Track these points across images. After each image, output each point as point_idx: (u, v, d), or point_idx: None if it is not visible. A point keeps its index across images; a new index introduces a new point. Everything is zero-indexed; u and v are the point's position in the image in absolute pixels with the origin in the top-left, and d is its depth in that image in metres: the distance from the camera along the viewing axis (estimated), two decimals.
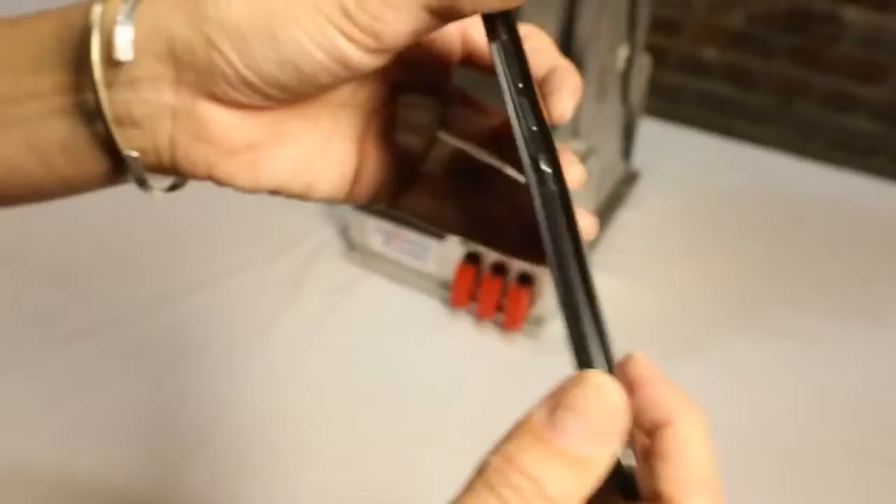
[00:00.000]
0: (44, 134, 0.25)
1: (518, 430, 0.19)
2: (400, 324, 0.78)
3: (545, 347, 0.75)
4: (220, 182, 0.27)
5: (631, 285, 0.81)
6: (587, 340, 0.20)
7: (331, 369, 0.74)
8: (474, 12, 0.24)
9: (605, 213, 0.89)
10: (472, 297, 0.76)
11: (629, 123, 0.88)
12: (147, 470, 0.66)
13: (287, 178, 0.28)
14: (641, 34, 0.81)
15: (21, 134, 0.25)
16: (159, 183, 0.28)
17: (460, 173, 0.31)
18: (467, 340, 0.76)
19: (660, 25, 1.30)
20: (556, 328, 0.77)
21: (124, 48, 0.24)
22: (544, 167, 0.23)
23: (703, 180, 0.94)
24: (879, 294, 0.83)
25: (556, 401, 0.19)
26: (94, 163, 0.26)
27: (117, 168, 0.27)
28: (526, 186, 0.23)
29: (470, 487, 0.19)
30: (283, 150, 0.28)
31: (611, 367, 0.20)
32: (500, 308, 0.75)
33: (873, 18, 1.24)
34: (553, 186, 0.23)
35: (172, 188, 0.29)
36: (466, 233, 0.31)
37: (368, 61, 0.25)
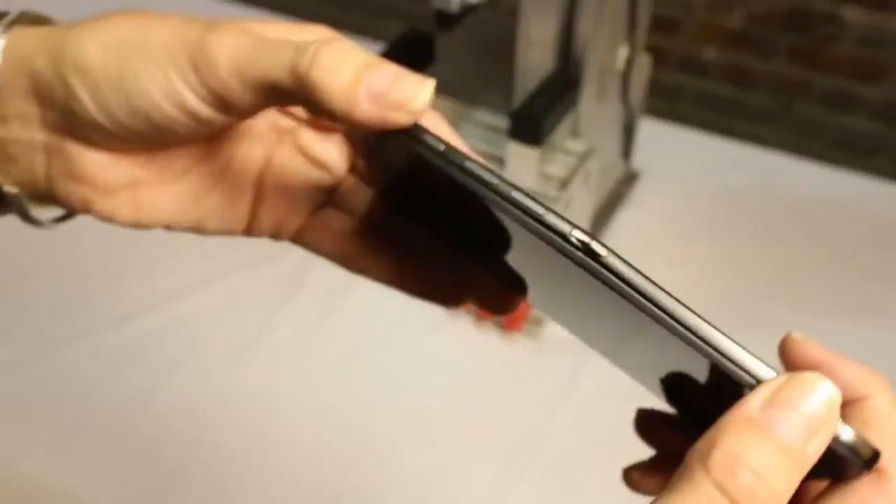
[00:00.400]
0: None
1: (736, 426, 0.19)
2: (400, 324, 0.78)
3: (545, 347, 0.75)
4: (99, 218, 0.27)
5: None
6: (745, 352, 0.20)
7: (330, 369, 0.74)
8: (339, 118, 0.22)
9: (605, 213, 0.89)
10: None
11: (629, 123, 0.88)
12: (147, 470, 0.66)
13: (173, 216, 0.27)
14: (641, 34, 0.81)
15: None
16: (48, 213, 0.28)
17: (369, 215, 0.30)
18: (467, 340, 0.76)
19: (660, 25, 1.30)
20: (555, 328, 0.77)
21: None
22: (583, 238, 0.22)
23: (703, 180, 0.94)
24: (879, 294, 0.83)
25: (771, 400, 0.19)
26: None
27: (1, 200, 0.26)
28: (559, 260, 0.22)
29: (689, 482, 0.18)
30: (165, 188, 0.27)
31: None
32: None
33: (873, 18, 1.24)
34: (604, 251, 0.22)
35: (62, 218, 0.29)
36: (373, 276, 0.30)
37: (221, 120, 0.24)
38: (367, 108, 0.21)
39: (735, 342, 0.20)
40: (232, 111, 0.23)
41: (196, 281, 0.81)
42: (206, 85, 0.23)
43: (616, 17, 0.75)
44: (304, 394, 0.71)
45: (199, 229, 0.28)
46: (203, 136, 0.26)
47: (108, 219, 0.27)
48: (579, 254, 0.22)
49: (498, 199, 0.22)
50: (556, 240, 0.22)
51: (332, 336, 0.77)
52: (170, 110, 0.23)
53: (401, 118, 0.21)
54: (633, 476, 0.29)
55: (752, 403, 0.19)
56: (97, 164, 0.25)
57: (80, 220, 0.96)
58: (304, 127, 0.29)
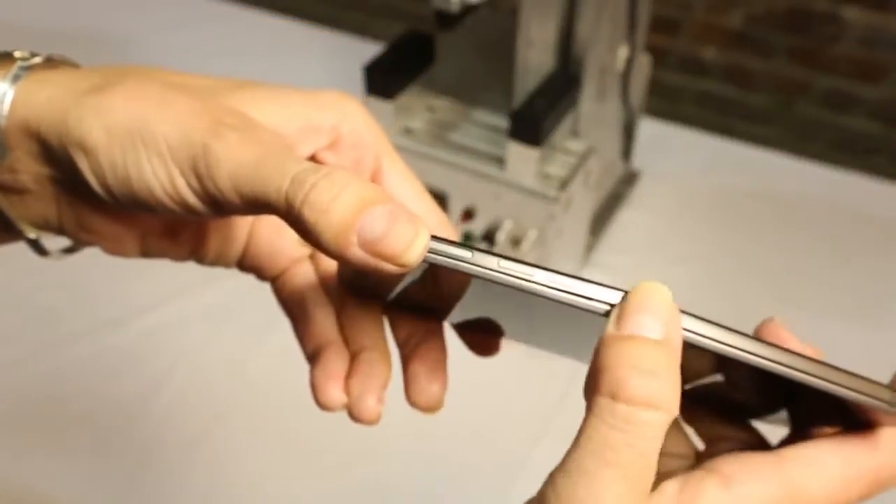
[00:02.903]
0: None
1: (604, 347, 0.20)
2: None
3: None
4: (110, 254, 0.28)
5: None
6: (593, 285, 0.22)
7: None
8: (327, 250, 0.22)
9: (605, 213, 0.89)
10: None
11: (629, 123, 0.88)
12: (147, 469, 0.66)
13: (176, 255, 0.29)
14: (641, 34, 0.81)
15: None
16: (57, 244, 0.28)
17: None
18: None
19: (660, 25, 1.30)
20: None
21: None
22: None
23: (703, 180, 0.94)
24: (879, 294, 0.83)
25: (619, 314, 0.20)
26: None
27: (12, 236, 0.27)
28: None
29: (591, 414, 0.20)
30: (170, 238, 0.28)
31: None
32: None
33: (873, 18, 1.24)
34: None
35: (71, 250, 0.29)
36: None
37: (211, 213, 0.24)
38: (358, 255, 0.21)
39: (583, 280, 0.21)
40: (227, 214, 0.24)
41: (196, 281, 0.81)
42: (204, 191, 0.23)
43: (616, 17, 0.75)
44: (304, 394, 0.71)
45: (198, 262, 0.30)
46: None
47: (117, 255, 0.28)
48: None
49: (535, 293, 0.22)
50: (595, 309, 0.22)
51: None
52: (169, 203, 0.23)
53: (391, 269, 0.21)
54: None
55: (609, 325, 0.20)
56: (106, 222, 0.26)
57: None
58: None
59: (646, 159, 0.95)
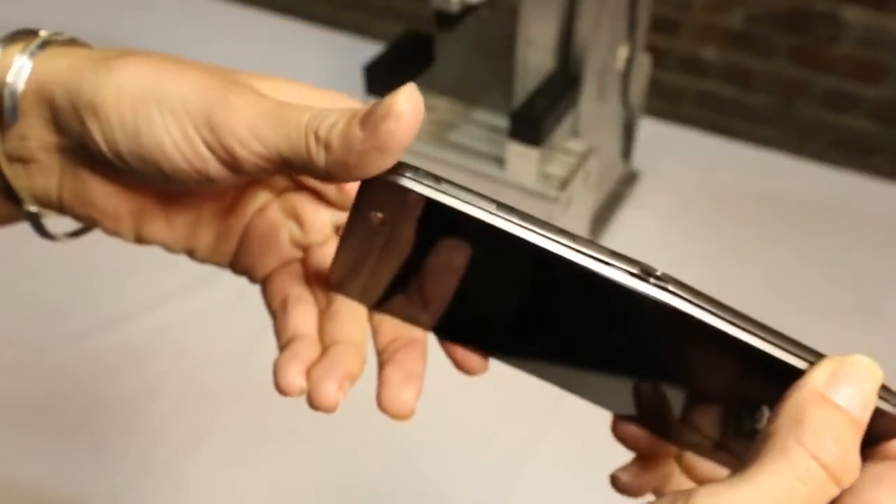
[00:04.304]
0: None
1: (815, 403, 0.21)
2: None
3: None
4: (105, 233, 0.28)
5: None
6: (800, 346, 0.23)
7: None
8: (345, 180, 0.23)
9: (605, 213, 0.89)
10: None
11: (629, 123, 0.88)
12: (147, 469, 0.66)
13: (170, 241, 0.29)
14: (641, 34, 0.81)
15: None
16: (62, 227, 0.29)
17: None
18: None
19: (660, 25, 1.30)
20: None
21: (10, 112, 0.24)
22: (652, 272, 0.22)
23: (703, 180, 0.94)
24: (879, 294, 0.83)
25: (835, 377, 0.21)
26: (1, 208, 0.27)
27: (17, 213, 0.28)
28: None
29: (785, 456, 0.20)
30: (167, 220, 0.28)
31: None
32: None
33: (873, 18, 1.24)
34: (673, 287, 0.23)
35: (76, 234, 0.30)
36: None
37: (226, 177, 0.24)
38: (360, 140, 0.21)
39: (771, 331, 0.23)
40: (241, 173, 0.24)
41: (196, 281, 0.81)
42: (220, 146, 0.23)
43: (616, 17, 0.75)
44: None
45: (191, 256, 0.30)
46: (208, 188, 0.26)
47: (111, 235, 0.28)
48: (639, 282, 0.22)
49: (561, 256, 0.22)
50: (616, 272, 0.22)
51: None
52: (181, 163, 0.24)
53: (391, 125, 0.21)
54: (621, 478, 0.30)
55: (818, 380, 0.21)
56: (105, 193, 0.26)
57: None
58: (302, 190, 0.30)
59: (646, 159, 0.95)
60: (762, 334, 0.23)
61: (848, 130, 1.37)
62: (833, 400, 0.21)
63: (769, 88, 1.38)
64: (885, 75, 1.29)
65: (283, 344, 0.28)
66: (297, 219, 0.29)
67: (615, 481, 0.30)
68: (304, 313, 0.28)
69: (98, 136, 0.24)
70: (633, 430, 0.29)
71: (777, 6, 1.30)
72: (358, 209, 0.24)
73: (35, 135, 0.25)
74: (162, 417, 0.69)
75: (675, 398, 0.27)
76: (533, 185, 0.71)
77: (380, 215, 0.24)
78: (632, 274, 0.22)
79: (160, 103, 0.23)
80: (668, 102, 1.40)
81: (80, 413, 0.69)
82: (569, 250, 0.22)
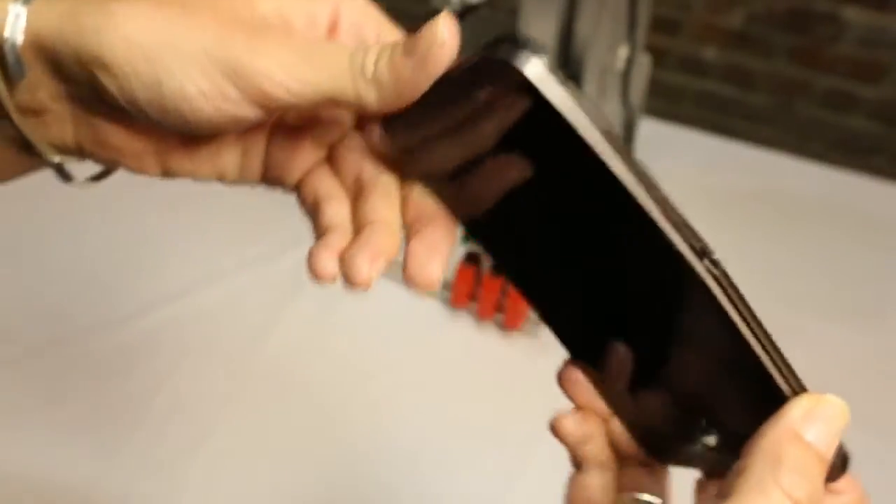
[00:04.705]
0: None
1: (792, 443, 0.22)
2: (400, 324, 0.78)
3: (545, 347, 0.75)
4: (130, 171, 0.27)
5: None
6: (791, 371, 0.24)
7: (330, 369, 0.74)
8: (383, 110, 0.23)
9: None
10: (472, 297, 0.76)
11: (629, 123, 0.88)
12: (147, 469, 0.66)
13: (196, 171, 0.28)
14: (641, 34, 0.81)
15: None
16: (84, 171, 0.28)
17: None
18: (467, 340, 0.76)
19: (660, 25, 1.30)
20: None
21: (15, 66, 0.24)
22: (706, 251, 0.23)
23: (703, 180, 0.94)
24: (879, 294, 0.83)
25: (812, 415, 0.23)
26: (20, 159, 0.27)
27: (37, 162, 0.27)
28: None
29: (761, 492, 0.21)
30: (190, 153, 0.27)
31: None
32: (499, 308, 0.75)
33: (873, 18, 1.24)
34: (718, 273, 0.24)
35: (99, 177, 0.29)
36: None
37: (254, 116, 0.24)
38: (409, 70, 0.22)
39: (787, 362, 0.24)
40: (274, 112, 0.24)
41: (197, 281, 0.81)
42: (255, 90, 0.23)
43: (616, 17, 0.75)
44: (304, 394, 0.71)
45: (220, 181, 0.29)
46: (233, 127, 0.26)
47: (136, 172, 0.27)
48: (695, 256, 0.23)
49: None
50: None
51: (332, 336, 0.77)
52: (208, 110, 0.23)
53: (438, 51, 0.22)
54: (565, 424, 0.30)
55: (795, 417, 0.23)
56: (124, 136, 0.26)
57: (81, 220, 0.95)
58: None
59: (646, 159, 0.94)
60: (771, 351, 0.24)
61: (848, 130, 1.37)
62: (805, 438, 0.22)
63: (769, 88, 1.38)
64: (885, 75, 1.29)
65: (318, 237, 0.28)
66: (316, 119, 0.29)
67: (558, 425, 0.30)
68: (335, 207, 0.28)
69: (112, 88, 0.23)
70: (581, 378, 0.30)
71: (777, 6, 1.30)
72: (455, 78, 0.23)
73: (44, 86, 0.24)
74: (162, 417, 0.69)
75: (646, 369, 0.27)
76: None
77: (480, 91, 0.22)
78: (691, 245, 0.23)
79: (179, 54, 0.22)
80: (668, 102, 1.40)
81: (80, 413, 0.69)
82: (647, 199, 0.22)
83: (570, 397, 0.30)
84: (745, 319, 0.23)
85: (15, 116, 0.25)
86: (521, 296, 0.29)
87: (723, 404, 0.26)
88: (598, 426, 0.30)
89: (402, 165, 0.28)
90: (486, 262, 0.76)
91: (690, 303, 0.24)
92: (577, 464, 0.30)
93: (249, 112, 0.23)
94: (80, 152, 0.26)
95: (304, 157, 0.29)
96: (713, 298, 0.23)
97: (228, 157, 0.28)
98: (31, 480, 0.65)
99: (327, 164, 0.29)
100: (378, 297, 0.81)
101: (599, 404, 0.30)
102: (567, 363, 0.30)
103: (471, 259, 0.76)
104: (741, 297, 0.23)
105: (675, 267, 0.23)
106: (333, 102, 0.23)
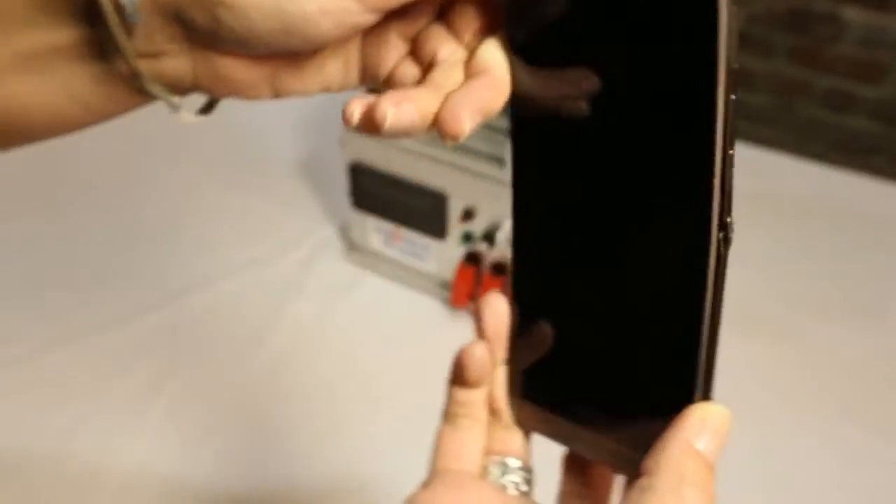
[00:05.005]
0: (79, 83, 0.26)
1: (692, 461, 0.24)
2: (400, 324, 0.78)
3: None
4: (243, 99, 0.28)
5: None
6: (709, 375, 0.24)
7: (330, 369, 0.74)
8: None
9: None
10: (472, 296, 0.76)
11: None
12: (146, 470, 0.66)
13: (306, 89, 0.29)
14: None
15: (57, 86, 0.26)
16: (192, 104, 0.29)
17: None
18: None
19: None
20: None
21: (132, 14, 0.25)
22: (728, 231, 0.24)
23: None
24: (879, 294, 0.83)
25: (706, 427, 0.24)
26: (131, 96, 0.27)
27: (150, 98, 0.28)
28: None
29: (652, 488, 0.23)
30: (300, 74, 0.28)
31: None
32: None
33: (873, 18, 1.24)
34: (726, 248, 0.24)
35: (206, 110, 0.30)
36: None
37: (372, 20, 0.25)
38: None
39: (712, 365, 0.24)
40: (389, 12, 0.25)
41: (197, 281, 0.81)
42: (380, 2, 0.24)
43: None
44: (304, 394, 0.71)
45: (326, 91, 0.30)
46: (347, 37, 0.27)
47: (250, 100, 0.28)
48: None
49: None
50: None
51: (332, 336, 0.77)
52: (328, 26, 0.24)
53: None
54: (475, 352, 0.30)
55: (693, 431, 0.24)
56: (240, 69, 0.27)
57: (80, 219, 0.95)
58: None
59: None
60: (712, 349, 0.24)
61: (848, 130, 1.37)
62: (699, 449, 0.23)
63: (769, 88, 1.38)
64: (885, 75, 1.29)
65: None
66: (403, 12, 0.29)
67: (468, 352, 0.30)
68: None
69: (234, 24, 0.24)
70: (503, 305, 0.29)
71: (777, 6, 1.30)
72: None
73: (161, 30, 0.25)
74: (163, 417, 0.69)
75: (580, 335, 0.27)
76: None
77: None
78: (722, 210, 0.24)
79: None
80: None
81: (80, 413, 0.69)
82: (720, 152, 0.23)
83: (482, 322, 0.30)
84: (714, 308, 0.23)
85: (134, 61, 0.25)
86: (513, 213, 0.28)
87: (634, 394, 0.26)
88: (493, 368, 0.30)
89: (505, 28, 0.27)
90: (486, 262, 0.76)
91: (673, 272, 0.24)
92: (451, 416, 0.31)
93: (368, 18, 0.24)
94: (197, 89, 0.27)
95: (392, 53, 0.29)
96: (702, 274, 0.23)
97: (332, 67, 0.29)
98: (31, 480, 0.65)
99: (410, 57, 0.29)
100: (378, 297, 0.81)
101: (501, 346, 0.29)
102: (500, 297, 0.30)
103: (471, 259, 0.76)
104: (722, 283, 0.23)
105: (690, 229, 0.23)
106: None
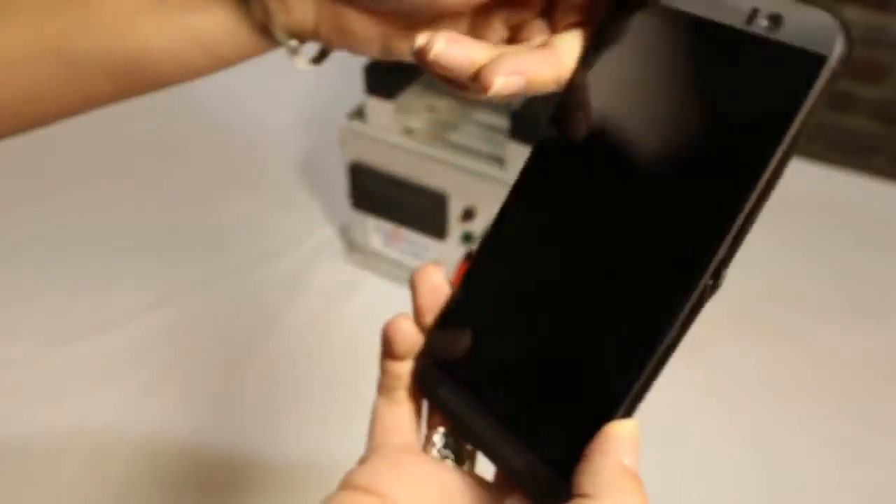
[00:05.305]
0: (210, 29, 0.28)
1: (626, 479, 0.23)
2: None
3: None
4: (354, 53, 0.29)
5: None
6: (639, 400, 0.24)
7: (330, 370, 0.74)
8: None
9: None
10: None
11: None
12: (147, 469, 0.66)
13: (410, 51, 0.29)
14: None
15: (189, 33, 0.28)
16: (306, 51, 0.30)
17: None
18: None
19: None
20: None
21: None
22: (720, 280, 0.24)
23: None
24: (879, 294, 0.83)
25: (631, 444, 0.24)
26: (253, 43, 0.29)
27: (271, 43, 0.29)
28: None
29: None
30: (410, 35, 0.28)
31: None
32: None
33: (873, 18, 1.24)
34: (710, 295, 0.24)
35: (319, 59, 0.31)
36: None
37: None
38: None
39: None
40: None
41: (196, 281, 0.81)
42: None
43: None
44: (304, 394, 0.71)
45: None
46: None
47: (360, 55, 0.30)
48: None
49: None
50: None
51: (332, 336, 0.77)
52: None
53: None
54: (398, 322, 0.30)
55: (623, 449, 0.24)
56: (361, 23, 0.28)
57: (80, 219, 0.95)
58: None
59: None
60: (653, 378, 0.24)
61: (848, 130, 1.37)
62: (626, 465, 0.23)
63: None
64: (885, 75, 1.29)
65: None
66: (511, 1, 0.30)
67: (395, 324, 0.30)
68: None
69: None
70: (438, 277, 0.30)
71: None
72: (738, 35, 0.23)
73: None
74: (162, 417, 0.69)
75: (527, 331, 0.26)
76: None
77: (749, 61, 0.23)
78: (724, 258, 0.23)
79: None
80: None
81: (79, 414, 0.69)
82: (748, 210, 0.23)
83: (416, 293, 0.30)
84: (672, 345, 0.23)
85: (270, 3, 0.27)
86: (505, 203, 0.28)
87: (553, 397, 0.25)
88: (420, 340, 0.29)
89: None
90: None
91: (649, 301, 0.23)
92: (386, 390, 0.30)
93: None
94: (316, 37, 0.29)
95: (492, 37, 0.30)
96: (675, 311, 0.22)
97: (439, 27, 0.30)
98: (31, 480, 0.65)
99: (505, 44, 0.30)
100: (378, 297, 0.81)
101: (432, 318, 0.29)
102: (437, 269, 0.30)
103: (471, 259, 0.76)
104: (690, 324, 0.23)
105: (684, 267, 0.23)
106: None
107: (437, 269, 0.30)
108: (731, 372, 0.73)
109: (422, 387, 0.29)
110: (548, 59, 0.26)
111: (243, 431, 0.69)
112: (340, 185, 0.80)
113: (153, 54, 0.28)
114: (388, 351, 0.30)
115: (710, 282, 0.23)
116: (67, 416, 0.68)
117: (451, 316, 0.29)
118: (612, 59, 0.25)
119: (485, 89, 0.25)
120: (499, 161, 0.72)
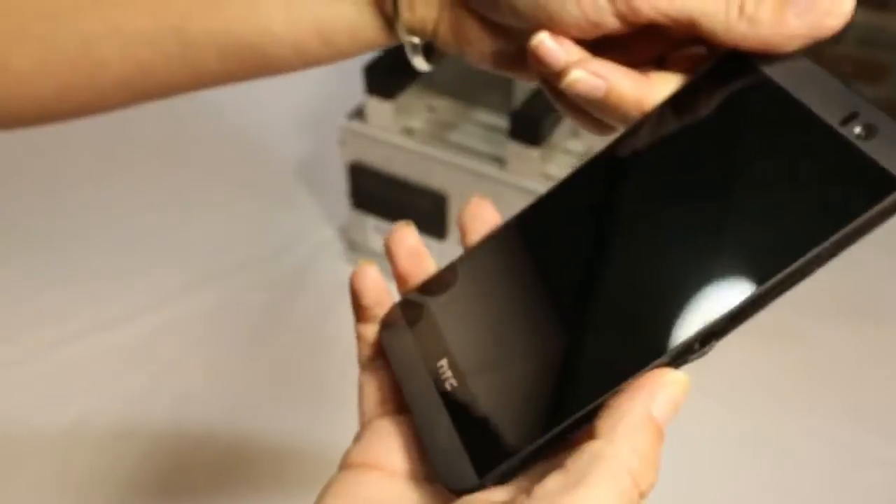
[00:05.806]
0: (333, 19, 0.28)
1: (644, 428, 0.22)
2: None
3: None
4: (468, 62, 0.30)
5: None
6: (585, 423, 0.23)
7: (330, 369, 0.74)
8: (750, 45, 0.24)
9: None
10: None
11: None
12: (147, 469, 0.66)
13: (520, 73, 0.29)
14: None
15: (312, 21, 0.28)
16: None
17: None
18: None
19: None
20: None
21: None
22: (707, 348, 0.23)
23: None
24: (879, 294, 0.83)
25: (662, 396, 0.23)
26: (372, 37, 0.29)
27: (389, 39, 0.29)
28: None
29: (611, 476, 0.21)
30: (521, 58, 0.28)
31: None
32: None
33: (873, 18, 1.24)
34: (693, 358, 0.24)
35: (430, 57, 0.31)
36: None
37: (612, 26, 0.25)
38: (795, 25, 0.23)
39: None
40: (631, 26, 0.25)
41: (196, 281, 0.81)
42: (622, 3, 0.24)
43: None
44: (304, 394, 0.71)
45: (530, 80, 0.30)
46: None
47: (474, 64, 0.29)
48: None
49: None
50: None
51: (332, 336, 0.77)
52: (575, 14, 0.25)
53: (833, 22, 0.23)
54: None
55: (654, 398, 0.22)
56: (479, 34, 0.28)
57: (81, 220, 0.95)
58: None
59: None
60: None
61: None
62: (654, 416, 0.22)
63: None
64: (885, 75, 1.29)
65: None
66: (635, 45, 0.29)
67: (362, 272, 0.29)
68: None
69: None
70: (412, 238, 0.29)
71: None
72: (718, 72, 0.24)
73: None
74: (162, 417, 0.69)
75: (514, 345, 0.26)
76: (533, 185, 0.71)
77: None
78: (710, 335, 0.23)
79: None
80: None
81: (80, 413, 0.69)
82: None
83: (395, 258, 0.29)
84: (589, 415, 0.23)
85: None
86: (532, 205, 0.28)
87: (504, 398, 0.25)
88: (388, 293, 0.29)
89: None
90: None
91: (631, 339, 0.23)
92: (366, 361, 0.30)
93: (610, 22, 0.25)
94: (434, 37, 0.29)
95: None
96: (631, 369, 0.23)
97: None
98: (31, 480, 0.65)
99: None
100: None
101: (411, 279, 0.29)
102: (409, 229, 0.30)
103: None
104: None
105: (676, 323, 0.23)
106: (692, 26, 0.24)
107: (411, 229, 0.30)
108: (731, 372, 0.73)
109: (384, 342, 0.29)
110: (637, 82, 0.26)
111: (244, 430, 0.69)
112: (340, 185, 0.80)
113: (273, 38, 0.28)
114: (359, 309, 0.29)
115: (697, 346, 0.23)
116: (70, 416, 0.68)
117: (434, 286, 0.28)
118: (699, 108, 0.25)
119: (561, 77, 0.25)
120: (499, 161, 0.72)
